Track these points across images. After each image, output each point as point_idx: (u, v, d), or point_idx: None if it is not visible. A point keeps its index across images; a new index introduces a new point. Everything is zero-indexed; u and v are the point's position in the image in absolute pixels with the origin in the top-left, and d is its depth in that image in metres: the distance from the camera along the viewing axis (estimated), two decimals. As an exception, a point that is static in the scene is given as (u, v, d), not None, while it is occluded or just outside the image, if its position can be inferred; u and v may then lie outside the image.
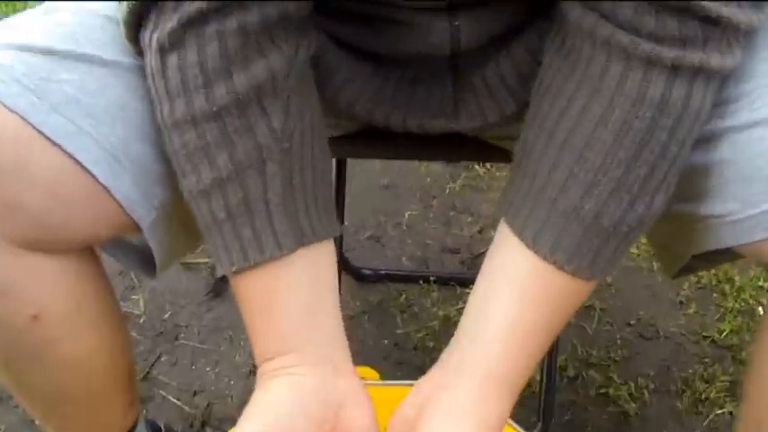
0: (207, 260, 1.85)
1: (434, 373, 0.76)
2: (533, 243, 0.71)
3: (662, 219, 0.74)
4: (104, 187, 0.73)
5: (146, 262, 0.90)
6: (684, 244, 0.83)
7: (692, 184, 0.75)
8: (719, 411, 1.47)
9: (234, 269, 0.72)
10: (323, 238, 0.75)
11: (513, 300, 0.72)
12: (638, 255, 1.85)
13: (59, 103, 0.71)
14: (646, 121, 0.67)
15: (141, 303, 1.74)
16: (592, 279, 0.72)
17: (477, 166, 2.21)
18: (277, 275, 0.73)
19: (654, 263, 1.84)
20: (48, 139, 0.70)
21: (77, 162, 0.71)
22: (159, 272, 0.90)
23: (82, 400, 0.93)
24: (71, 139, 0.71)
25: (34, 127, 0.69)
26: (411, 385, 0.90)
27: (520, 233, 0.73)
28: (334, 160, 1.33)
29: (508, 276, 0.73)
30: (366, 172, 2.18)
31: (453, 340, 0.76)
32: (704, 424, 1.45)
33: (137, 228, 0.78)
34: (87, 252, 0.83)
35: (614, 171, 0.68)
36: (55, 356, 0.84)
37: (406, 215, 2.04)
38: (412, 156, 1.29)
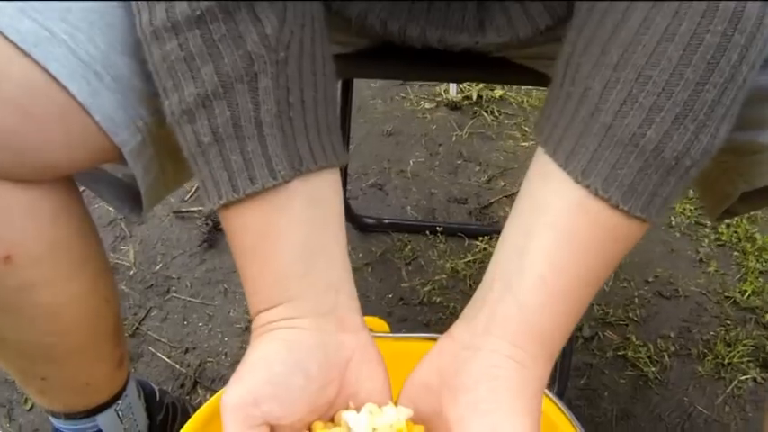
0: (200, 208, 1.76)
1: (459, 332, 0.66)
2: (582, 176, 0.61)
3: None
4: (81, 105, 0.67)
5: (131, 199, 0.84)
6: (735, 179, 0.76)
7: (751, 109, 0.66)
8: (743, 377, 1.40)
9: (222, 202, 0.64)
10: (325, 168, 0.66)
11: (556, 242, 0.62)
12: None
13: (29, 4, 0.64)
14: (717, 36, 0.57)
15: (131, 254, 1.67)
16: (646, 221, 0.62)
17: (484, 113, 2.12)
18: (271, 210, 0.64)
19: (672, 217, 1.75)
20: (15, 46, 0.63)
21: (50, 75, 0.65)
22: (146, 208, 0.82)
23: (61, 356, 0.87)
24: (43, 47, 0.64)
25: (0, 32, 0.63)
26: (428, 339, 0.82)
27: (565, 165, 0.62)
28: (339, 83, 1.24)
29: (550, 215, 0.62)
30: (368, 118, 2.10)
31: (480, 291, 0.66)
32: (727, 391, 1.38)
33: (119, 154, 0.71)
34: (66, 185, 0.77)
35: (680, 94, 0.59)
36: (31, 305, 0.78)
37: (411, 163, 1.95)
38: (427, 76, 1.22)
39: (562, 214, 0.62)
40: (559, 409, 0.79)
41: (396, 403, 0.67)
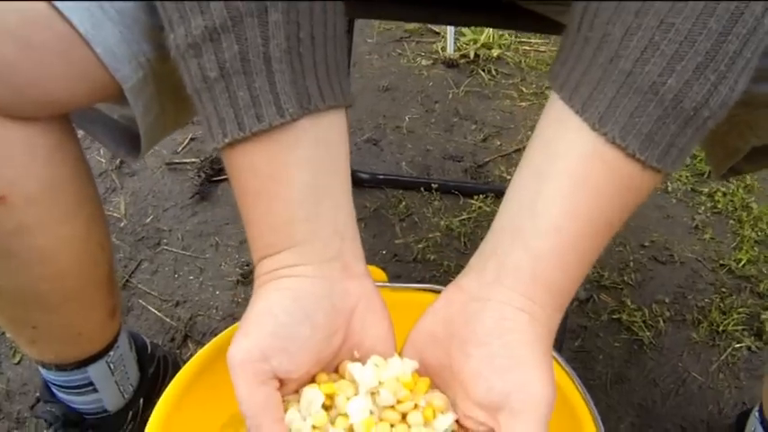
0: (193, 160, 1.74)
1: (467, 282, 0.64)
2: (600, 123, 0.58)
3: None
4: (83, 37, 0.65)
5: (127, 141, 0.82)
6: (746, 133, 0.75)
7: (764, 59, 0.63)
8: (737, 345, 1.39)
9: (227, 140, 0.61)
10: (333, 108, 0.64)
11: (569, 189, 0.60)
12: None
13: None
14: None
15: (122, 206, 1.64)
16: (661, 172, 0.60)
17: (481, 72, 2.10)
18: (278, 150, 0.62)
19: (668, 183, 1.74)
20: None
21: (53, 6, 0.63)
22: (144, 150, 0.80)
23: (54, 302, 0.85)
24: None
25: None
26: (427, 290, 0.82)
27: (581, 111, 0.59)
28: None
29: (564, 161, 0.60)
30: (364, 73, 2.08)
31: (489, 239, 0.64)
32: (721, 358, 1.37)
33: (119, 91, 0.69)
34: (63, 124, 0.75)
35: (703, 43, 0.57)
36: (24, 249, 0.77)
37: (407, 119, 1.93)
38: (437, 18, 1.19)
39: (577, 161, 0.60)
40: (561, 366, 0.79)
41: (400, 355, 0.66)
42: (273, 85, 0.60)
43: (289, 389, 0.63)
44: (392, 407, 0.63)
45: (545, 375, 0.59)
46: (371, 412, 0.62)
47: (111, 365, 1.00)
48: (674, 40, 0.57)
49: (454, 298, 0.64)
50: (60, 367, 0.96)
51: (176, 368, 1.18)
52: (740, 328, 1.42)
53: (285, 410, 0.62)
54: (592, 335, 1.40)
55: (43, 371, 0.99)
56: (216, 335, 0.81)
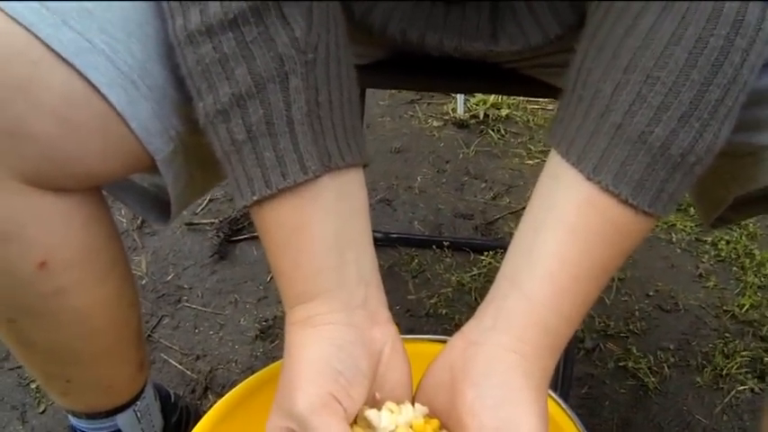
0: (212, 220, 1.80)
1: (469, 329, 0.68)
2: (594, 173, 0.63)
3: None
4: (119, 114, 0.68)
5: (156, 207, 0.85)
6: (729, 183, 0.77)
7: (746, 111, 0.68)
8: (741, 388, 1.42)
9: (255, 198, 0.65)
10: (351, 165, 0.68)
11: (565, 237, 0.64)
12: (656, 225, 1.79)
13: (70, 15, 0.65)
14: (721, 40, 0.61)
15: (143, 264, 1.70)
16: (653, 216, 0.65)
17: (491, 132, 2.16)
18: (303, 204, 0.66)
19: (672, 234, 1.78)
20: (58, 55, 0.64)
21: (90, 84, 0.65)
22: (174, 215, 0.84)
23: (88, 359, 0.88)
24: (84, 56, 0.65)
25: (42, 41, 0.63)
26: (438, 341, 0.84)
27: (576, 163, 0.64)
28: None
29: (559, 211, 0.65)
30: (377, 135, 2.14)
31: (492, 290, 0.69)
32: (725, 400, 1.40)
33: (150, 162, 0.72)
34: (96, 194, 0.78)
35: (686, 94, 0.62)
36: (61, 309, 0.79)
37: (419, 179, 1.99)
38: (443, 87, 1.24)
39: (572, 210, 0.64)
40: (564, 411, 0.81)
41: (412, 401, 0.70)
42: (297, 145, 0.65)
43: None
44: None
45: (534, 411, 0.62)
46: None
47: (138, 414, 1.03)
48: (659, 92, 0.62)
49: (456, 344, 0.68)
50: (90, 416, 0.98)
51: (197, 418, 1.22)
52: (743, 371, 1.45)
53: None
54: (598, 382, 1.44)
55: (73, 419, 1.01)
56: (235, 386, 0.84)
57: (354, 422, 0.67)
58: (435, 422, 0.67)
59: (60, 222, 0.74)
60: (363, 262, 0.70)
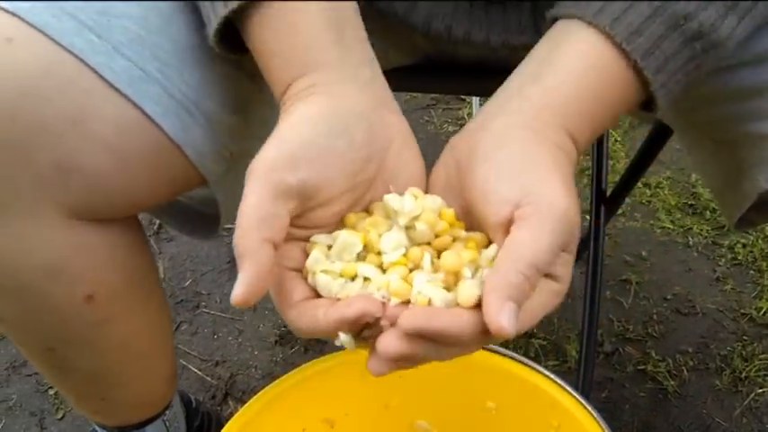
0: (229, 226, 1.80)
1: (469, 124, 0.62)
2: (594, 17, 0.60)
3: (731, 144, 0.66)
4: (174, 142, 0.66)
5: (197, 221, 0.85)
6: (755, 176, 0.75)
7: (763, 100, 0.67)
8: (760, 391, 1.42)
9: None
10: None
11: (564, 71, 0.60)
12: (673, 229, 1.80)
13: (122, 43, 0.63)
14: None
15: (161, 270, 1.70)
16: (644, 75, 0.60)
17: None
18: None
19: (689, 237, 1.78)
20: (110, 85, 0.62)
21: (144, 114, 0.64)
22: (222, 226, 0.82)
23: (126, 380, 0.88)
24: (137, 85, 0.63)
25: (94, 71, 0.61)
26: None
27: (581, 15, 0.61)
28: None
29: (560, 53, 0.61)
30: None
31: (498, 90, 0.63)
32: (744, 403, 1.40)
33: (199, 183, 0.71)
34: (134, 220, 0.77)
35: None
36: (105, 338, 0.78)
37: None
38: (470, 89, 1.24)
39: (575, 52, 0.61)
40: (587, 410, 0.81)
41: None
42: None
43: (308, 221, 0.57)
44: (428, 243, 0.58)
45: (557, 185, 0.54)
46: (406, 248, 0.57)
47: (167, 423, 1.03)
48: None
49: (458, 141, 0.62)
50: (122, 429, 0.98)
51: (219, 424, 1.23)
52: (762, 373, 1.45)
53: (308, 253, 0.56)
54: (618, 386, 1.44)
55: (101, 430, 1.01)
56: (255, 392, 0.83)
57: (367, 212, 0.60)
58: (461, 224, 0.60)
59: (105, 253, 0.72)
60: (364, 45, 0.62)
